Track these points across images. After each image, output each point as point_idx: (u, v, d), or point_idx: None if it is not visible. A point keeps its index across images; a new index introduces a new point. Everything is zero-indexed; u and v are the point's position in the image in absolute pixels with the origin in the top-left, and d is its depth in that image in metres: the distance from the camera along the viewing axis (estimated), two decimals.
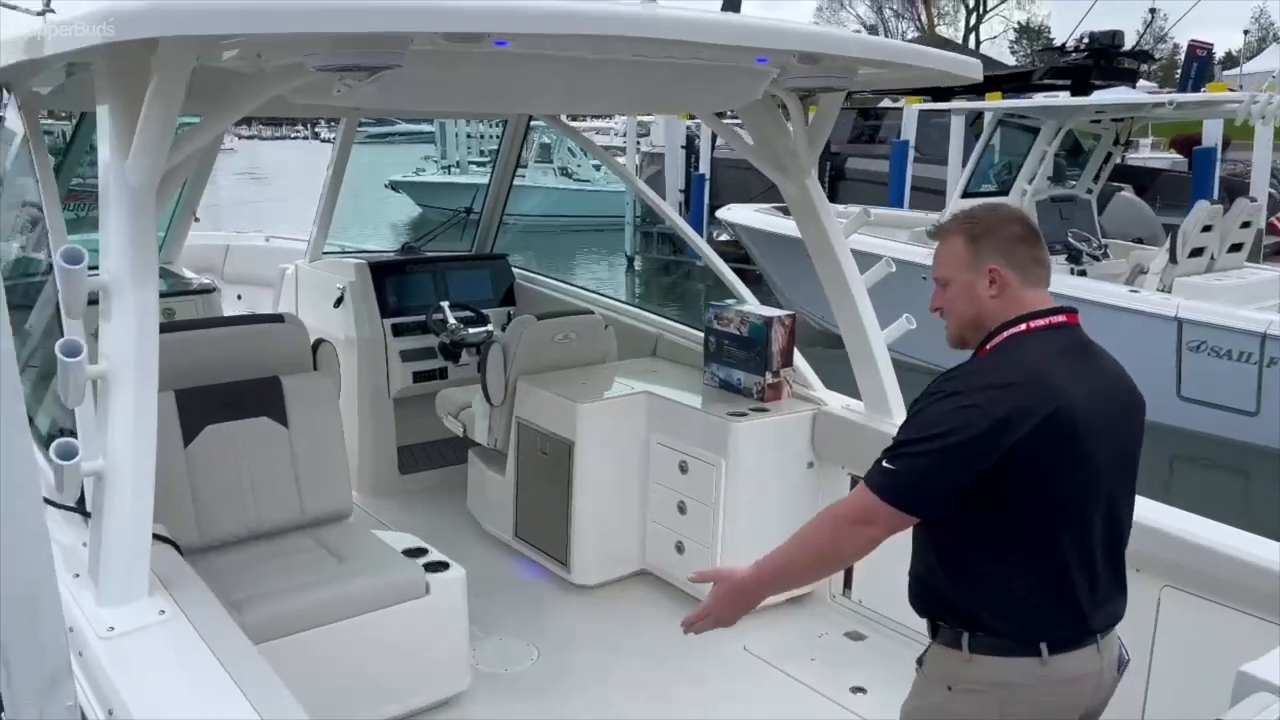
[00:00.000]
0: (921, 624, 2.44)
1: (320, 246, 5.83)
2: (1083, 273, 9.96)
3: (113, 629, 2.24)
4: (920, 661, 2.25)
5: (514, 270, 5.90)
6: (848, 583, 4.19)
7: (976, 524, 2.06)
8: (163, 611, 2.32)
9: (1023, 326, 2.12)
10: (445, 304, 5.31)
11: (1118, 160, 12.10)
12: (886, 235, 10.98)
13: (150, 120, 2.40)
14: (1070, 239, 10.12)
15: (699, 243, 5.20)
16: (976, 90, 13.23)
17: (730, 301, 4.59)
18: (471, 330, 5.24)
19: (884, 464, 2.07)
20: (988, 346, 2.15)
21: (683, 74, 3.08)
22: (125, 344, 2.43)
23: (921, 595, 2.22)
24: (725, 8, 14.28)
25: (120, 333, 2.43)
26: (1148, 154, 23.30)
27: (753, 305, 4.55)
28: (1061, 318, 2.16)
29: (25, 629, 1.66)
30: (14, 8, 2.47)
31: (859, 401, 4.16)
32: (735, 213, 12.47)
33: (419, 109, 4.92)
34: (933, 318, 2.32)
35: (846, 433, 4.09)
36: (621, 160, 25.42)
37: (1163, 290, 9.01)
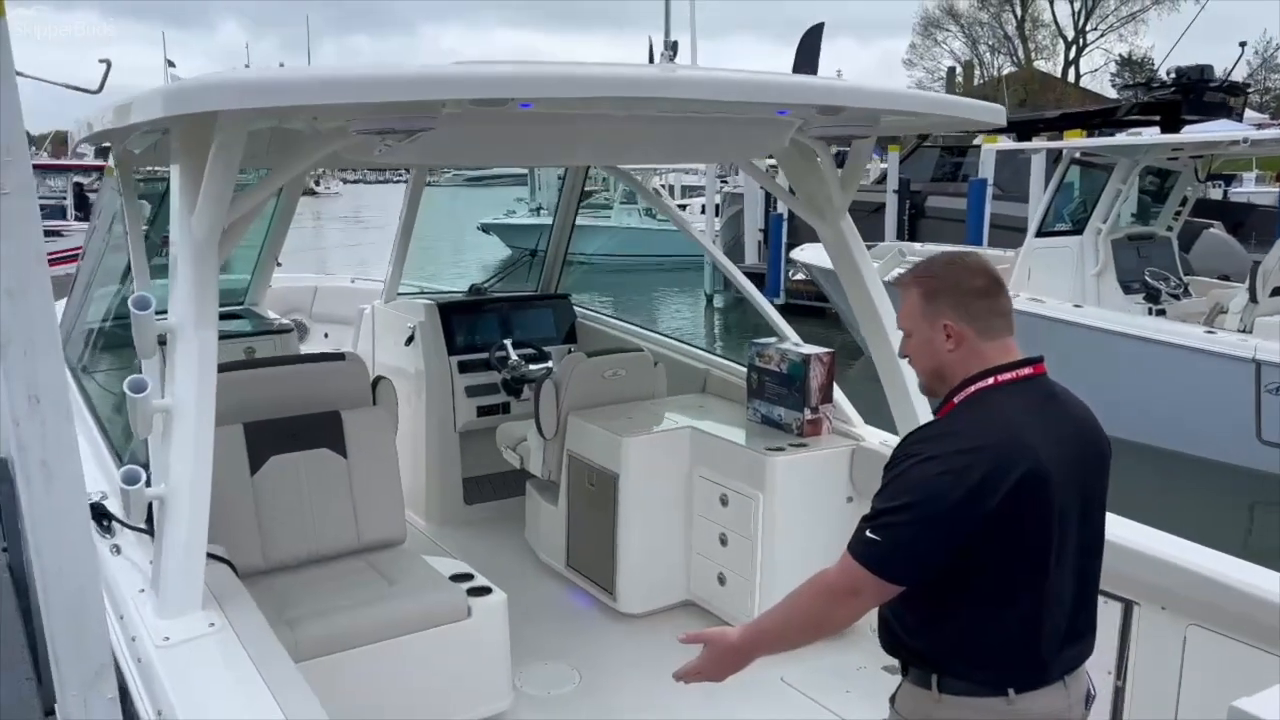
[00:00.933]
0: None
1: (395, 288, 6.18)
2: (1161, 312, 9.76)
3: (168, 639, 2.49)
4: (892, 700, 2.29)
5: (576, 309, 6.14)
6: None
7: (948, 577, 2.09)
8: (213, 624, 2.55)
9: (990, 381, 2.15)
10: (508, 341, 5.57)
11: (1203, 195, 11.81)
12: None
13: (212, 179, 2.70)
14: (1148, 278, 9.93)
15: (740, 280, 5.37)
16: (1058, 128, 13.11)
17: (772, 339, 4.73)
18: (532, 367, 5.48)
19: (867, 533, 2.08)
20: (955, 400, 2.18)
21: (710, 126, 3.27)
22: (187, 382, 2.70)
23: (891, 639, 2.25)
24: (804, 47, 14.44)
25: (183, 371, 2.70)
26: (1252, 188, 22.51)
27: (792, 343, 4.68)
28: (1028, 370, 2.19)
29: (72, 629, 1.90)
30: (77, 89, 2.81)
31: (897, 437, 4.23)
32: (809, 253, 12.58)
33: (459, 163, 5.25)
34: None
35: (884, 467, 4.16)
36: (702, 200, 25.78)
37: (1243, 330, 8.76)
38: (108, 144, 3.48)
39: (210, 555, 2.77)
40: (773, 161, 4.19)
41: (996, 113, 3.56)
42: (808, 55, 13.58)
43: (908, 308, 2.25)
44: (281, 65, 2.58)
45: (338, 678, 3.15)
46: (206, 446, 2.70)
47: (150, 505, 2.75)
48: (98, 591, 1.97)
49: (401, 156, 2.86)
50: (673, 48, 3.28)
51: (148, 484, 2.65)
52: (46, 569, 1.88)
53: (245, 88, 2.36)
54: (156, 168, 4.39)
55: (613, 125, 3.07)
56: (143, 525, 2.90)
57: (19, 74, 1.69)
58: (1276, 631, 2.89)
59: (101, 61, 3.37)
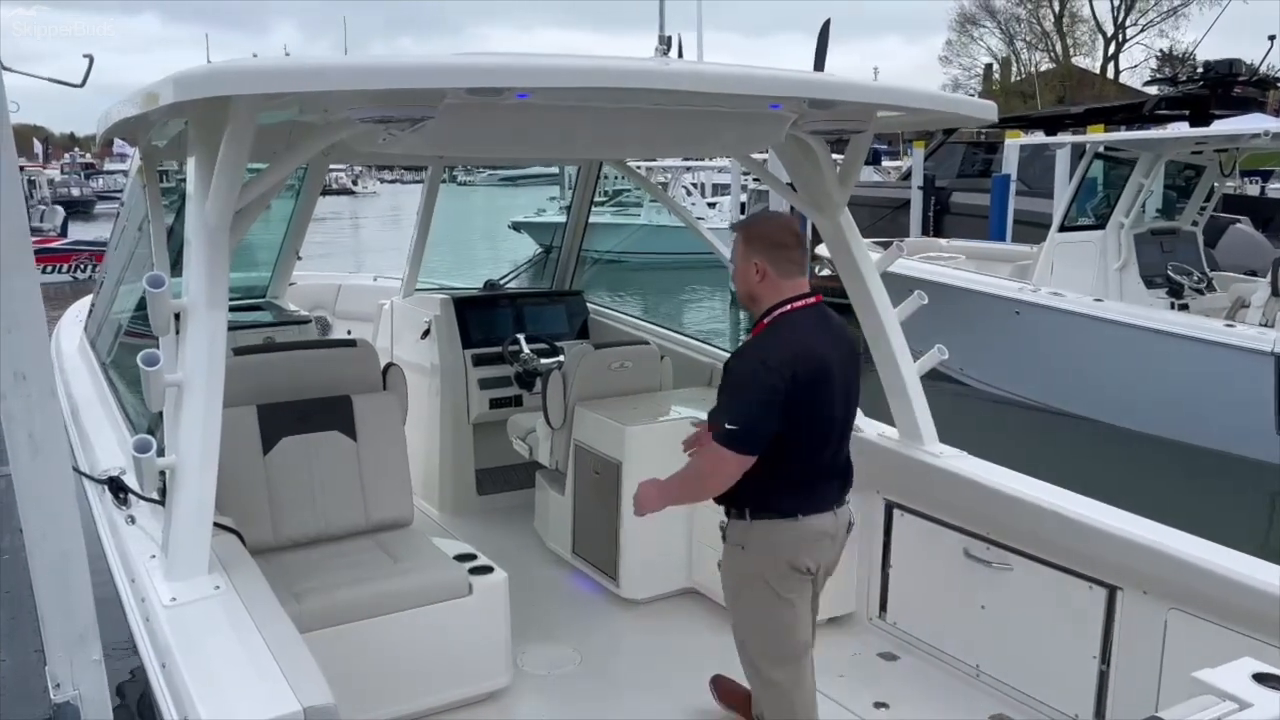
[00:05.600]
0: (952, 646, 3.98)
1: (413, 284, 6.33)
2: (1184, 306, 9.69)
3: (174, 599, 2.62)
4: (723, 535, 3.19)
5: (589, 305, 6.25)
6: (884, 605, 4.32)
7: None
8: (218, 587, 2.69)
9: (788, 307, 3.02)
10: (520, 336, 5.70)
11: (1237, 191, 11.67)
12: (988, 269, 10.94)
13: (223, 167, 2.83)
14: (1170, 272, 9.86)
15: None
16: (1084, 123, 13.01)
17: None
18: (544, 360, 5.60)
19: (726, 426, 2.92)
20: (766, 320, 3.03)
21: (705, 120, 3.35)
22: (198, 358, 2.82)
23: (740, 496, 3.06)
24: (818, 44, 14.45)
25: (194, 349, 2.83)
26: None
27: None
28: (813, 300, 3.05)
29: (57, 593, 2.03)
30: (61, 82, 2.95)
31: (893, 428, 4.30)
32: None
33: (462, 154, 5.38)
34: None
35: (881, 459, 4.23)
36: (727, 198, 25.76)
37: (1264, 324, 8.68)
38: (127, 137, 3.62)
39: (219, 525, 2.90)
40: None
41: (988, 109, 3.62)
42: (819, 52, 13.57)
43: (735, 247, 3.11)
44: (287, 54, 2.71)
45: (340, 649, 3.28)
46: (215, 419, 2.82)
47: (163, 478, 2.89)
48: (81, 557, 2.09)
49: (405, 146, 2.96)
50: (667, 42, 3.36)
51: (159, 454, 2.78)
52: (33, 535, 2.02)
53: (251, 73, 2.49)
54: (179, 163, 4.57)
55: (608, 118, 3.16)
56: (155, 497, 3.04)
57: (5, 68, 1.82)
58: (1255, 615, 2.94)
59: (85, 56, 3.57)
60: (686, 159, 29.48)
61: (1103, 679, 3.47)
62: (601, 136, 3.41)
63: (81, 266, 21.05)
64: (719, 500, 3.16)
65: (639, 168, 6.27)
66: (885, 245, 4.50)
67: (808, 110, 3.38)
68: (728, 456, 2.94)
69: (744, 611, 3.20)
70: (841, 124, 3.54)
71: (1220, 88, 12.34)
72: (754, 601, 3.13)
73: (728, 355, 5.46)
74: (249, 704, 2.16)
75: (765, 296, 3.05)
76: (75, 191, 51.92)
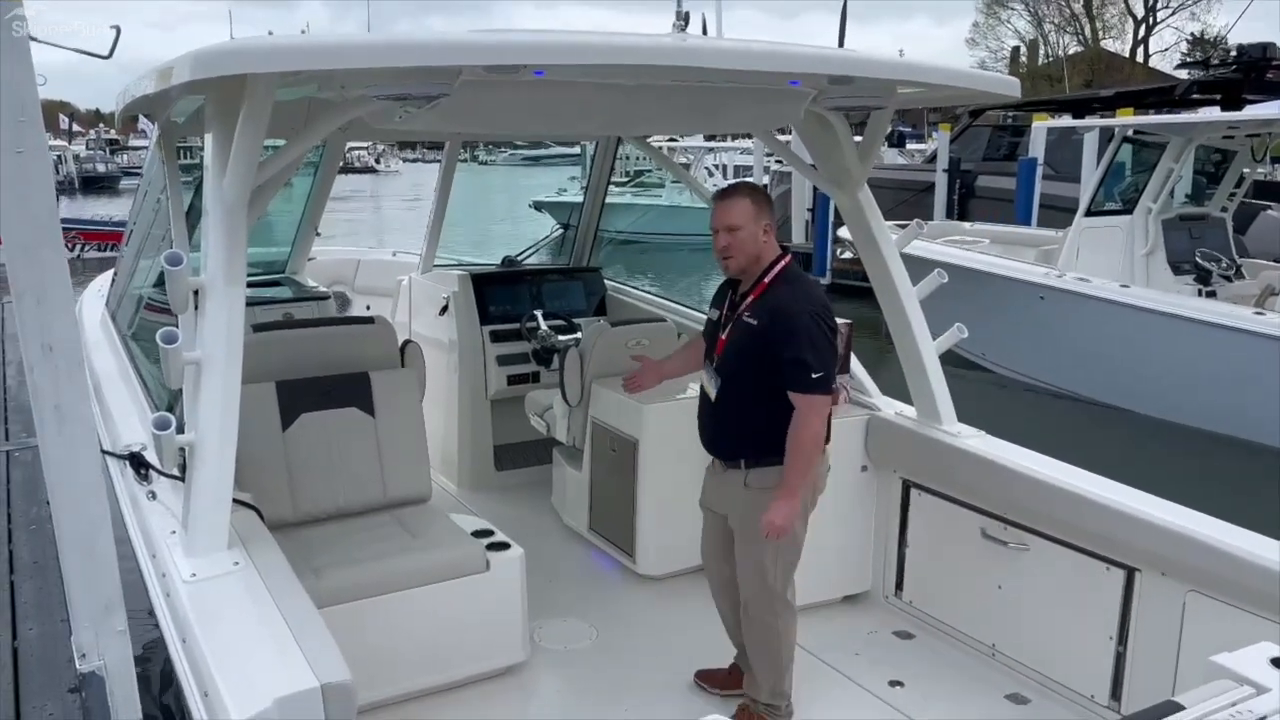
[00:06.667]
0: (968, 625, 4.01)
1: (431, 259, 6.33)
2: (1212, 293, 9.56)
3: (194, 575, 2.65)
4: (746, 484, 3.37)
5: (606, 282, 6.24)
6: (900, 583, 4.31)
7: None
8: (237, 563, 2.71)
9: (785, 259, 3.36)
10: (538, 313, 5.70)
11: (1270, 177, 11.48)
12: (1012, 254, 10.84)
13: (240, 144, 2.83)
14: (1199, 259, 9.73)
15: None
16: (1113, 106, 12.83)
17: None
18: (561, 337, 5.60)
19: (812, 376, 3.18)
20: (767, 280, 3.30)
21: (723, 97, 3.33)
22: (216, 335, 2.84)
23: (766, 443, 3.28)
24: (841, 24, 14.34)
25: (213, 326, 2.84)
26: None
27: None
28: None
29: (83, 564, 2.05)
30: (88, 53, 2.95)
31: (912, 408, 4.28)
32: None
33: (479, 131, 5.37)
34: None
35: (899, 438, 4.22)
36: (751, 180, 25.57)
37: None
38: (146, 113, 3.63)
39: (238, 501, 2.93)
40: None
41: (1010, 85, 3.58)
42: (841, 31, 13.50)
43: (740, 211, 3.28)
44: (304, 31, 2.70)
45: (358, 624, 3.30)
46: (234, 397, 2.84)
47: (183, 454, 2.91)
48: (107, 528, 2.11)
49: (422, 123, 2.97)
50: (685, 18, 3.33)
51: (179, 431, 2.80)
52: (59, 506, 2.03)
53: (268, 51, 2.49)
54: (199, 139, 4.59)
55: (626, 95, 3.14)
56: (175, 473, 3.07)
57: (32, 39, 1.82)
58: (1275, 599, 2.91)
59: (112, 28, 3.54)
60: (708, 139, 29.37)
61: (1119, 660, 3.45)
62: (619, 113, 3.39)
63: (69, 245, 21.22)
64: (732, 454, 3.40)
65: (661, 148, 6.23)
66: (902, 228, 4.45)
67: (827, 86, 3.36)
68: (822, 401, 3.20)
69: (775, 549, 3.33)
70: (862, 100, 3.52)
71: (1253, 72, 12.10)
72: (790, 535, 3.31)
73: None
74: (267, 679, 2.18)
75: (766, 254, 3.33)
76: (100, 167, 52.44)
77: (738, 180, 3.00)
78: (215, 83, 2.68)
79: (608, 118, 3.47)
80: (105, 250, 18.67)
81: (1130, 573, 3.40)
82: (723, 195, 3.36)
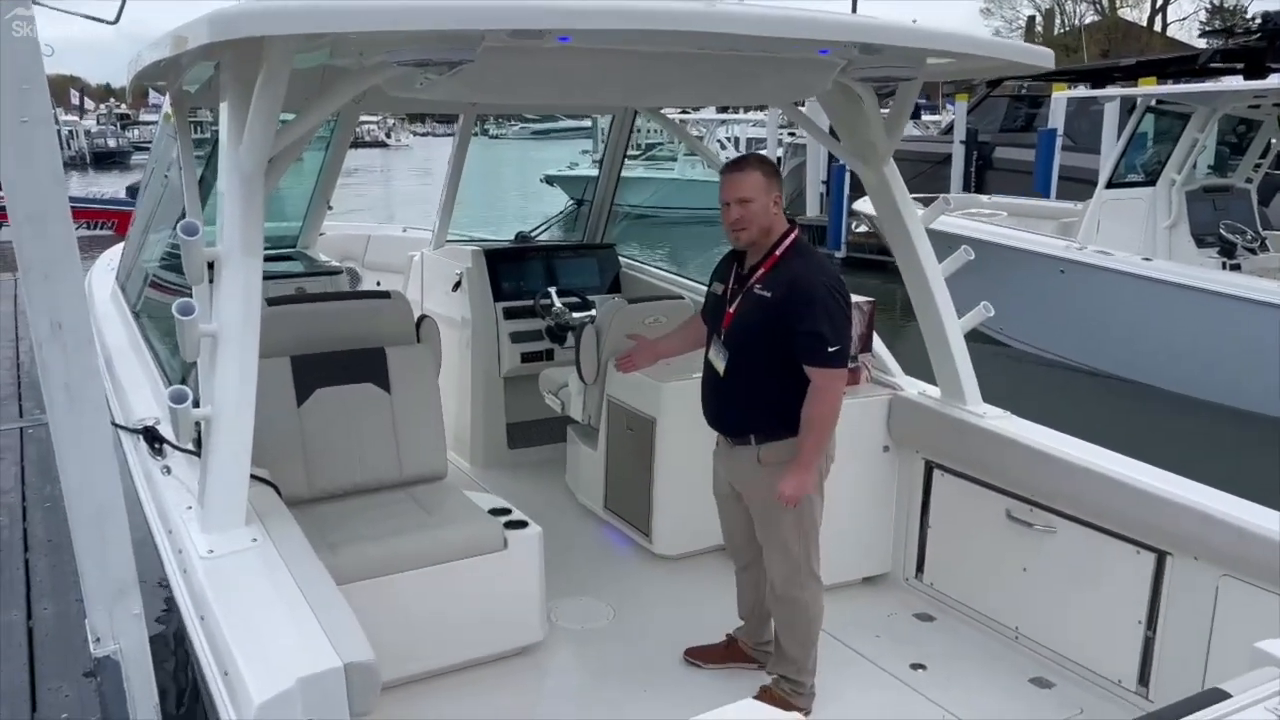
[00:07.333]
0: (991, 607, 3.94)
1: (443, 235, 6.25)
2: (1236, 266, 9.41)
3: (211, 551, 2.60)
4: (759, 460, 3.32)
5: (620, 259, 6.16)
6: (921, 565, 4.25)
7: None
8: (255, 540, 2.66)
9: (795, 231, 3.33)
10: (552, 289, 5.62)
11: None
12: (1030, 227, 10.69)
13: (258, 111, 2.75)
14: (1223, 231, 9.57)
15: None
16: (1134, 76, 12.62)
17: None
18: (576, 314, 5.52)
19: (829, 350, 3.13)
20: (778, 252, 3.26)
21: (750, 66, 3.23)
22: (233, 307, 2.77)
23: (776, 417, 3.26)
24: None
25: (229, 298, 2.78)
26: None
27: None
28: None
29: (95, 546, 1.99)
30: (93, 18, 2.87)
31: (935, 387, 4.20)
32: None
33: (499, 100, 5.25)
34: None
35: (922, 418, 4.14)
36: (764, 152, 25.38)
37: None
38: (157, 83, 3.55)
39: (255, 477, 2.87)
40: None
41: (1044, 56, 3.47)
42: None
43: (752, 183, 3.23)
44: None
45: (375, 602, 3.25)
46: (251, 370, 2.78)
47: (199, 429, 2.86)
48: (120, 510, 2.05)
49: (441, 92, 2.87)
50: None
51: (195, 405, 2.75)
52: (70, 488, 1.98)
53: (289, 13, 2.41)
54: (211, 110, 4.50)
55: (652, 62, 3.05)
56: (191, 447, 3.02)
57: (35, 2, 1.75)
58: None
59: None
60: (720, 111, 29.08)
61: (1148, 645, 3.39)
62: (642, 82, 3.30)
63: None
64: (740, 429, 3.38)
65: (674, 120, 6.11)
66: (926, 202, 4.36)
67: (857, 56, 3.25)
68: (838, 375, 3.17)
69: (797, 521, 3.30)
70: (891, 70, 3.41)
71: (1278, 40, 11.88)
72: (807, 506, 3.31)
73: None
74: (289, 658, 2.13)
75: (777, 227, 3.28)
76: (112, 142, 52.41)
77: (745, 153, 2.92)
78: (231, 46, 2.59)
79: (630, 87, 3.38)
80: (95, 229, 18.51)
81: (1161, 556, 3.33)
82: (733, 167, 3.30)
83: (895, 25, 3.14)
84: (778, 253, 3.27)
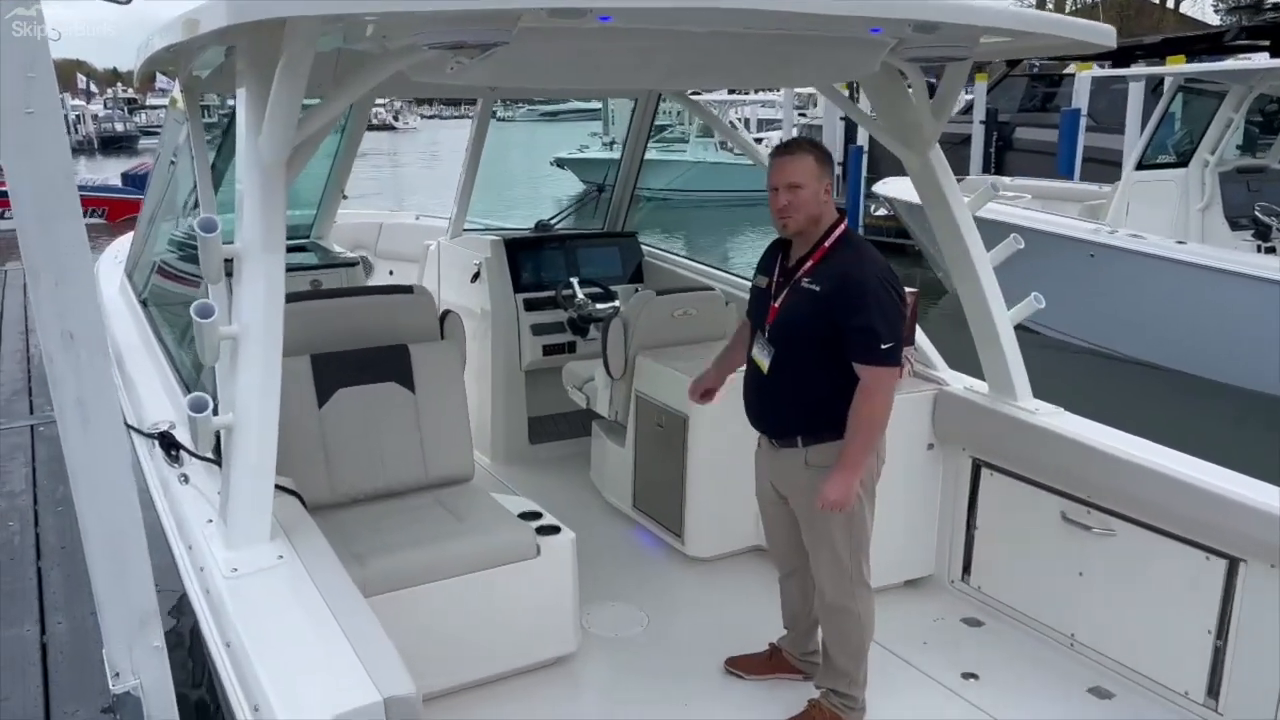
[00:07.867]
0: (1043, 613, 3.78)
1: (460, 224, 6.07)
2: (1271, 249, 9.18)
3: (236, 570, 2.44)
4: (807, 463, 3.15)
5: (643, 248, 5.97)
6: (967, 568, 4.08)
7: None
8: (281, 557, 2.50)
9: (844, 222, 3.16)
10: (574, 280, 5.45)
11: None
12: (1056, 210, 10.46)
13: (279, 99, 2.57)
14: (1258, 213, 9.33)
15: None
16: (1158, 54, 12.35)
17: None
18: (599, 306, 5.35)
19: (882, 347, 2.95)
20: (827, 244, 3.09)
21: (796, 46, 3.04)
22: (254, 307, 2.61)
23: (825, 417, 3.07)
24: None
25: (250, 297, 2.62)
26: None
27: None
28: None
29: (114, 575, 1.82)
30: None
31: (982, 382, 4.02)
32: (892, 186, 12.11)
33: (529, 85, 5.05)
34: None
35: (968, 414, 3.96)
36: (779, 134, 25.15)
37: None
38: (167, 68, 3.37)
39: (278, 487, 2.72)
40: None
41: (1106, 34, 3.28)
42: None
43: (804, 168, 3.06)
44: None
45: (405, 614, 3.10)
46: (274, 375, 2.63)
47: (218, 435, 2.70)
48: (139, 537, 1.89)
49: (473, 76, 2.69)
50: None
51: (215, 413, 2.59)
52: (86, 512, 1.81)
53: None
54: (221, 96, 4.32)
55: (694, 43, 2.86)
56: (210, 455, 2.86)
57: None
58: None
59: None
60: (730, 91, 28.73)
61: (1218, 655, 3.22)
62: (681, 64, 3.11)
63: None
64: (785, 430, 3.21)
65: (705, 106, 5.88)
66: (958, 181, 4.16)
67: (910, 35, 3.07)
68: (890, 374, 3.00)
69: (845, 528, 3.14)
70: (943, 50, 3.22)
71: None
72: (858, 510, 3.14)
73: None
74: (325, 695, 1.98)
75: (826, 216, 3.11)
76: (119, 127, 52.34)
77: (797, 136, 2.78)
78: (250, 30, 2.42)
79: (667, 70, 3.19)
80: (86, 216, 18.45)
81: (1233, 563, 3.15)
82: (784, 150, 3.11)
83: (952, 3, 2.96)
84: (826, 244, 3.09)
